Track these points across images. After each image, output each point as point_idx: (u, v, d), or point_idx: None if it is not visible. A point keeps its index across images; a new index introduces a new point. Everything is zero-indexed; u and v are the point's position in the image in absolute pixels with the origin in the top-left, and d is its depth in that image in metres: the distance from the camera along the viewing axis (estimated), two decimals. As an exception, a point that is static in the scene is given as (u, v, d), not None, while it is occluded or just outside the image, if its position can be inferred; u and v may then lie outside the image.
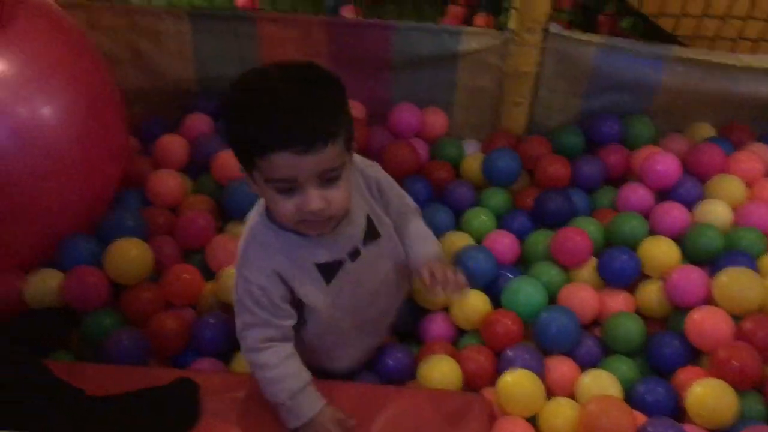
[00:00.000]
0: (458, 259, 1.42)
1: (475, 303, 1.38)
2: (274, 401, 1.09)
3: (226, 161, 1.56)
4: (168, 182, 1.57)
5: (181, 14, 1.67)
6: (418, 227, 1.22)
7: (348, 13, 2.17)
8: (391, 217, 1.19)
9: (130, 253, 1.36)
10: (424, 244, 1.20)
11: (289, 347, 1.10)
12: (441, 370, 1.25)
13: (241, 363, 1.27)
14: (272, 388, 1.09)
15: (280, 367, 1.08)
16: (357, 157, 1.10)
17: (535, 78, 1.70)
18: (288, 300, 1.09)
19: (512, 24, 1.64)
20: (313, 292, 1.10)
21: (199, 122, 1.71)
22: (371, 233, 1.13)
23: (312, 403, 1.09)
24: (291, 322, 1.10)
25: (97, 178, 1.44)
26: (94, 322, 1.31)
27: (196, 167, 1.65)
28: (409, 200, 1.24)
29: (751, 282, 1.31)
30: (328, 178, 0.95)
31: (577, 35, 1.66)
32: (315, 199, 0.95)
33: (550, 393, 1.27)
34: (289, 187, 0.94)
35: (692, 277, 1.36)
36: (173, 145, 1.65)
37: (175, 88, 1.77)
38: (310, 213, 0.96)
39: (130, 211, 1.50)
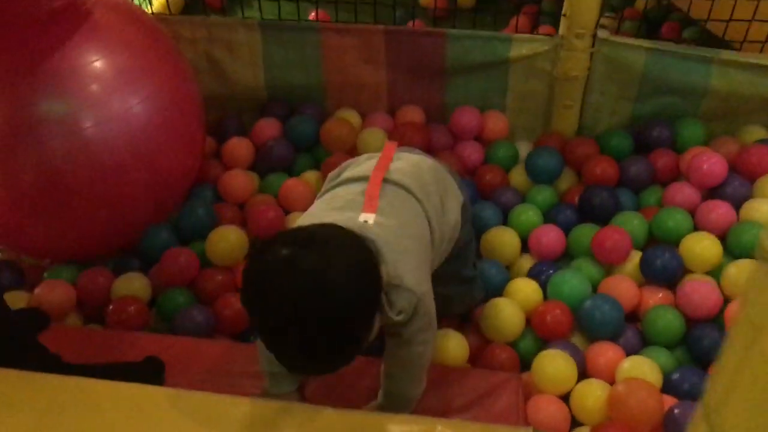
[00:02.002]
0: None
1: (528, 293, 1.45)
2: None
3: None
4: (238, 180, 1.71)
5: (253, 26, 1.82)
6: (389, 387, 1.12)
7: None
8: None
9: (230, 238, 1.50)
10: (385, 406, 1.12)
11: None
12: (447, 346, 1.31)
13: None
14: (260, 358, 1.13)
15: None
16: (393, 316, 0.99)
17: (584, 82, 1.77)
18: None
19: (562, 30, 1.71)
20: None
21: (267, 126, 1.84)
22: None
23: (284, 387, 1.12)
24: None
25: (175, 172, 1.58)
26: (169, 299, 1.45)
27: (264, 167, 1.79)
28: (398, 349, 1.08)
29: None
30: None
31: (625, 40, 1.72)
32: None
33: (592, 377, 1.32)
34: None
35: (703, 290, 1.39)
36: (241, 146, 1.79)
37: (246, 93, 1.91)
38: None
39: (204, 205, 1.64)
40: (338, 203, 1.06)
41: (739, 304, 0.47)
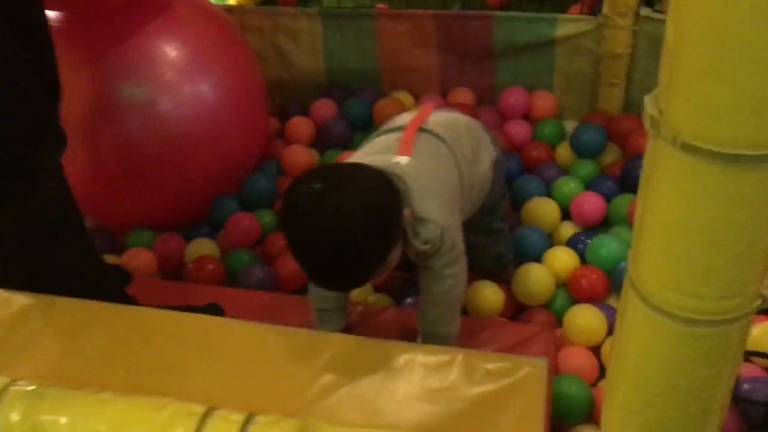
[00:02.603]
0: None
1: (564, 259, 1.52)
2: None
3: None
4: (298, 155, 1.86)
5: (314, 14, 1.97)
6: (422, 324, 1.22)
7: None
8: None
9: None
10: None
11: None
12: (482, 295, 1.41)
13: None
14: (309, 295, 1.27)
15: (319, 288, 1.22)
16: (419, 245, 1.10)
17: (629, 60, 1.83)
18: None
19: (605, 9, 1.78)
20: None
21: (326, 107, 1.99)
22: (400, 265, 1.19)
23: (332, 324, 1.26)
24: None
25: (241, 148, 1.73)
26: (235, 258, 1.60)
27: (323, 144, 1.93)
28: (427, 282, 1.18)
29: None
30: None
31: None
32: None
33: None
34: None
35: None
36: (302, 125, 1.95)
37: (307, 78, 2.07)
38: None
39: (267, 178, 1.80)
40: (376, 149, 1.20)
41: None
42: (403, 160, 1.13)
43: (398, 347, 1.09)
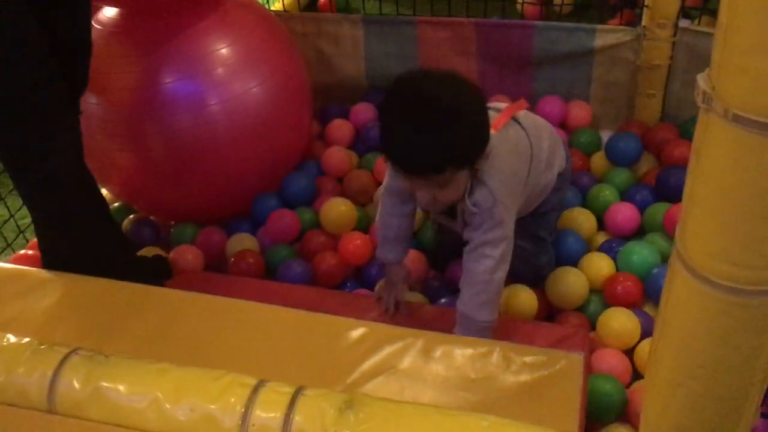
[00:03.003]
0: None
1: (600, 265, 1.53)
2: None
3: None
4: (337, 156, 1.90)
5: (356, 20, 2.02)
6: (458, 305, 1.26)
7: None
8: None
9: (339, 208, 1.70)
10: (458, 326, 1.25)
11: (406, 209, 1.34)
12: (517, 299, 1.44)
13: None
14: (377, 225, 1.38)
15: (386, 217, 1.35)
16: (479, 198, 1.18)
17: (667, 71, 1.85)
18: None
19: (645, 20, 1.80)
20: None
21: (365, 110, 2.04)
22: (449, 214, 1.32)
23: (391, 254, 1.36)
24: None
25: (285, 147, 1.78)
26: (275, 252, 1.65)
27: (362, 146, 1.98)
28: (467, 259, 1.24)
29: None
30: (438, 185, 1.14)
31: (707, 29, 1.79)
32: (423, 198, 1.23)
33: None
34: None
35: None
36: (342, 127, 2.00)
37: (349, 82, 2.11)
38: (417, 199, 1.25)
39: (307, 177, 1.85)
40: None
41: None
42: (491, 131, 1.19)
43: (438, 338, 1.13)
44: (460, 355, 1.09)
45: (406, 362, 1.08)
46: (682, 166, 1.72)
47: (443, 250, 1.64)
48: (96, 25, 1.61)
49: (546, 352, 1.08)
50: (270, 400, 0.79)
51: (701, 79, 0.54)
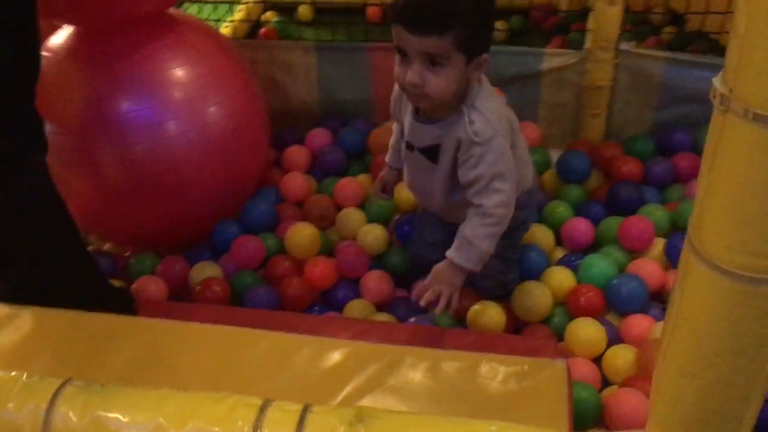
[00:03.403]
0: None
1: (562, 278, 1.58)
2: None
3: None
4: (297, 181, 1.90)
5: (309, 48, 2.05)
6: (461, 226, 1.31)
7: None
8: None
9: (304, 233, 1.70)
10: (455, 250, 1.30)
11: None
12: (486, 314, 1.48)
13: (350, 309, 1.57)
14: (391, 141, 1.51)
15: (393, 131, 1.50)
16: (478, 124, 1.23)
17: (610, 92, 1.94)
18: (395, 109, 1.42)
19: (588, 43, 1.89)
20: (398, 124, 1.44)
21: (321, 135, 2.05)
22: (431, 155, 1.33)
23: (393, 162, 1.52)
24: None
25: (243, 172, 1.77)
26: (240, 279, 1.63)
27: (319, 171, 1.98)
28: (478, 194, 1.28)
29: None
30: (432, 62, 1.16)
31: (646, 51, 1.89)
32: (414, 73, 1.18)
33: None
34: (402, 56, 1.20)
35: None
36: (299, 153, 2.00)
37: (302, 109, 2.13)
38: (408, 83, 1.20)
39: (267, 203, 1.84)
40: None
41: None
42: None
43: (421, 353, 1.14)
44: (446, 368, 1.10)
45: (393, 379, 1.09)
46: (629, 181, 1.80)
47: (413, 269, 1.66)
48: (45, 53, 1.57)
49: (530, 361, 1.11)
50: (278, 420, 0.78)
51: (717, 83, 0.58)
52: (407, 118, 1.36)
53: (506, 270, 1.55)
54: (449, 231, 1.53)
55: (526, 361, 1.11)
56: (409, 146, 1.37)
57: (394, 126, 1.50)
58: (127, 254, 1.84)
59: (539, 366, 1.09)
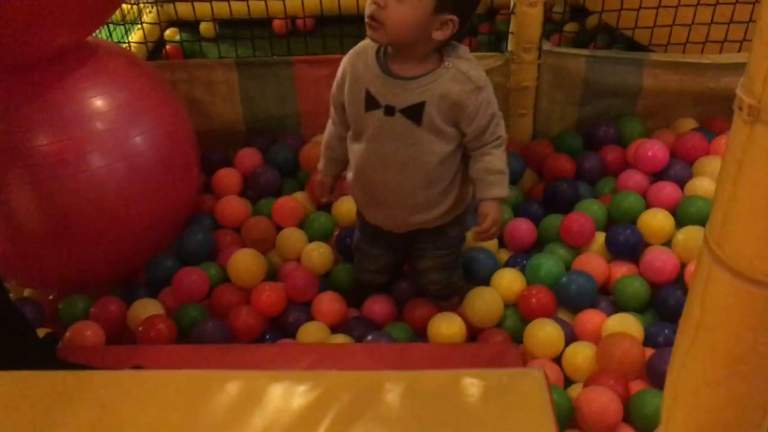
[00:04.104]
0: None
1: (510, 279, 1.59)
2: None
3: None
4: (233, 205, 1.83)
5: (229, 64, 1.97)
6: (489, 163, 1.31)
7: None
8: (467, 142, 1.31)
9: (247, 260, 1.63)
10: (488, 186, 1.32)
11: (338, 131, 1.41)
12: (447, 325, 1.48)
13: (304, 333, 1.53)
14: (323, 145, 1.47)
15: (325, 134, 1.45)
16: (472, 71, 1.25)
17: (535, 91, 1.97)
18: (342, 93, 1.34)
19: (511, 45, 1.92)
20: (352, 105, 1.32)
21: (250, 155, 1.98)
22: (414, 115, 1.26)
23: (327, 169, 1.47)
24: (344, 121, 1.37)
25: (174, 202, 1.68)
26: (185, 313, 1.55)
27: (253, 193, 1.91)
28: (494, 132, 1.30)
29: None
30: None
31: (567, 50, 1.93)
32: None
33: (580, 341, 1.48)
34: None
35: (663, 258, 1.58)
36: (229, 176, 1.92)
37: (226, 128, 2.05)
38: (369, 4, 1.18)
39: (203, 231, 1.76)
40: None
41: (724, 148, 0.62)
42: None
43: (398, 376, 1.11)
44: (425, 390, 1.07)
45: (373, 407, 1.05)
46: (564, 178, 1.84)
47: (360, 289, 1.63)
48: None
49: (507, 373, 1.10)
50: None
51: (743, 93, 0.58)
52: (375, 82, 1.27)
53: (456, 267, 1.56)
54: (391, 252, 1.53)
55: (503, 374, 1.10)
56: (389, 110, 1.26)
57: (329, 124, 1.43)
58: (50, 297, 1.71)
59: (517, 377, 1.08)
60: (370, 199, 1.41)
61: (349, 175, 1.41)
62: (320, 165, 1.49)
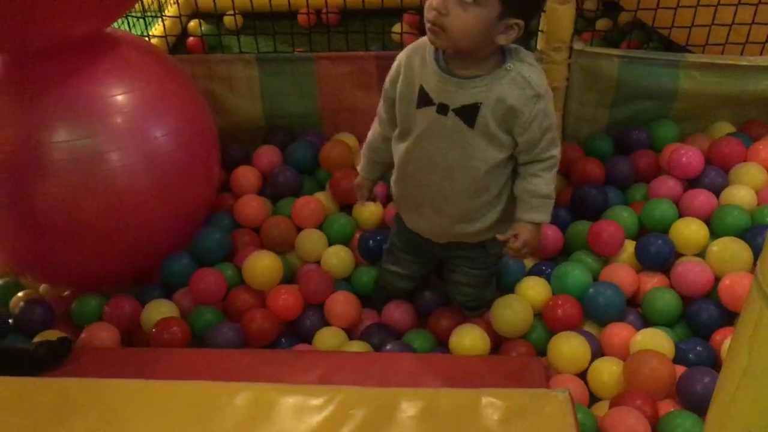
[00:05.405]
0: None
1: (537, 289, 1.53)
2: None
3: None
4: (253, 205, 1.78)
5: (250, 60, 1.93)
6: (536, 186, 1.26)
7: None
8: (518, 154, 1.25)
9: (263, 262, 1.58)
10: (530, 209, 1.27)
11: (384, 131, 1.36)
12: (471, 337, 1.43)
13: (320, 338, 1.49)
14: (365, 145, 1.42)
15: (373, 139, 1.40)
16: (533, 77, 1.18)
17: (565, 92, 1.90)
18: (394, 88, 1.27)
19: (540, 44, 1.85)
20: (404, 101, 1.26)
21: (269, 153, 1.93)
22: (467, 117, 1.20)
23: (367, 172, 1.42)
24: (392, 119, 1.31)
25: (194, 201, 1.65)
26: (199, 316, 1.52)
27: (272, 192, 1.87)
28: (547, 149, 1.24)
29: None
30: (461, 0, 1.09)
31: (599, 50, 1.86)
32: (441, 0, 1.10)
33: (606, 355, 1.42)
34: None
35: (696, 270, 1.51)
36: (248, 174, 1.88)
37: (246, 125, 2.01)
38: (432, 8, 1.11)
39: (220, 230, 1.71)
40: None
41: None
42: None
43: (416, 394, 1.06)
44: (443, 409, 1.03)
45: (389, 427, 1.01)
46: (594, 183, 1.77)
47: (381, 293, 1.58)
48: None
49: (529, 393, 1.05)
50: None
51: None
52: (431, 79, 1.20)
53: (490, 283, 1.52)
54: (425, 261, 1.48)
55: (525, 394, 1.05)
56: (442, 109, 1.20)
57: (375, 124, 1.38)
58: (65, 293, 1.69)
59: (541, 399, 1.03)
60: (411, 203, 1.36)
61: (393, 176, 1.36)
62: (360, 166, 1.44)
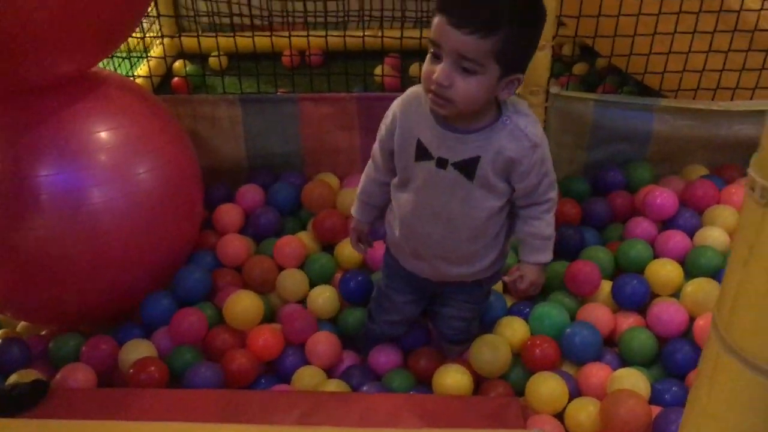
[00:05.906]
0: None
1: (515, 329, 1.55)
2: None
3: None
4: (235, 244, 1.79)
5: (233, 100, 1.96)
6: (537, 228, 1.29)
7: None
8: (515, 198, 1.27)
9: (244, 302, 1.59)
10: (533, 250, 1.31)
11: (380, 177, 1.35)
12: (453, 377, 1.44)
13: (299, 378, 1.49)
14: (359, 187, 1.41)
15: (367, 182, 1.39)
16: (530, 128, 1.20)
17: (542, 134, 1.94)
18: (391, 139, 1.27)
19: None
20: (402, 153, 1.26)
21: (252, 192, 1.95)
22: (467, 170, 1.21)
23: (360, 215, 1.42)
24: (389, 167, 1.32)
25: (176, 239, 1.65)
26: (178, 356, 1.51)
27: (253, 232, 1.88)
28: (545, 193, 1.27)
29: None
30: (464, 67, 1.08)
31: (575, 94, 1.91)
32: (443, 72, 1.08)
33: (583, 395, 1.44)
34: (435, 52, 1.10)
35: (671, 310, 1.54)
36: (231, 212, 1.89)
37: (228, 164, 2.03)
38: (434, 81, 1.10)
39: (201, 270, 1.71)
40: None
41: (736, 232, 0.59)
42: None
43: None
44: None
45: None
46: (570, 224, 1.80)
47: (371, 338, 1.58)
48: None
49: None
50: None
51: (756, 173, 0.54)
52: (428, 133, 1.21)
53: (477, 317, 1.54)
54: (419, 299, 1.49)
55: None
56: (441, 163, 1.21)
57: (369, 168, 1.37)
58: (43, 333, 1.68)
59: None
60: (412, 251, 1.36)
61: (395, 227, 1.35)
62: (354, 210, 1.43)
